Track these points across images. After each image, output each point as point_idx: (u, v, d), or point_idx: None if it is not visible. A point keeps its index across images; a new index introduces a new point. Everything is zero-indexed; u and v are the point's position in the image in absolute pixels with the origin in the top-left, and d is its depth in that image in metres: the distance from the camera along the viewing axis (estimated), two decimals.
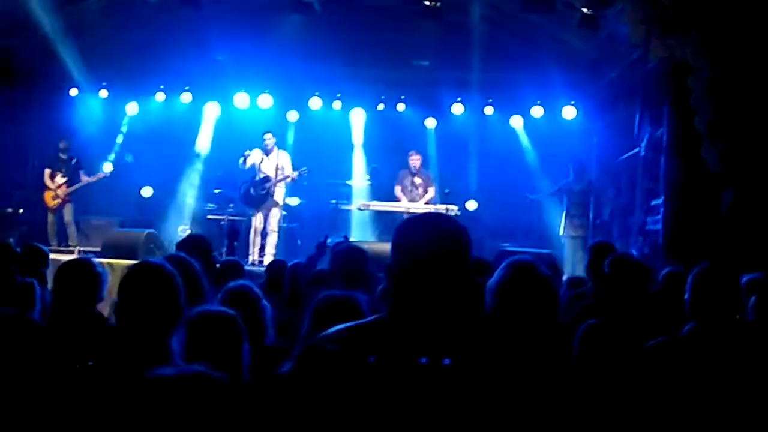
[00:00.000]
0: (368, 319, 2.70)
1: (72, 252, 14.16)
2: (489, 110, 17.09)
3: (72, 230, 15.47)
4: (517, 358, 2.59)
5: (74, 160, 15.60)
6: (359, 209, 15.19)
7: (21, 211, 15.84)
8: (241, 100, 17.00)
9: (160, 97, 17.27)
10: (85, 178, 15.54)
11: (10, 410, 2.33)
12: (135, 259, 12.29)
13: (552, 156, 16.14)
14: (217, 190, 15.98)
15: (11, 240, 12.29)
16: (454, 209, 14.66)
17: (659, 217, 12.21)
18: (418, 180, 15.56)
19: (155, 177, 16.90)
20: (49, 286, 7.08)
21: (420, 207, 15.11)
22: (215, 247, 14.43)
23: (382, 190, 16.11)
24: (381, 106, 17.32)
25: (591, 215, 15.68)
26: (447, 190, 15.19)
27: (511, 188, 16.58)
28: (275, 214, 14.79)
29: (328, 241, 8.69)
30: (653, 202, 12.87)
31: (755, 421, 3.93)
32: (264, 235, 14.70)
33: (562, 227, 15.05)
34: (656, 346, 4.14)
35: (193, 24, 14.81)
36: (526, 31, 15.26)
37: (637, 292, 5.54)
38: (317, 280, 6.52)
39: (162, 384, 2.01)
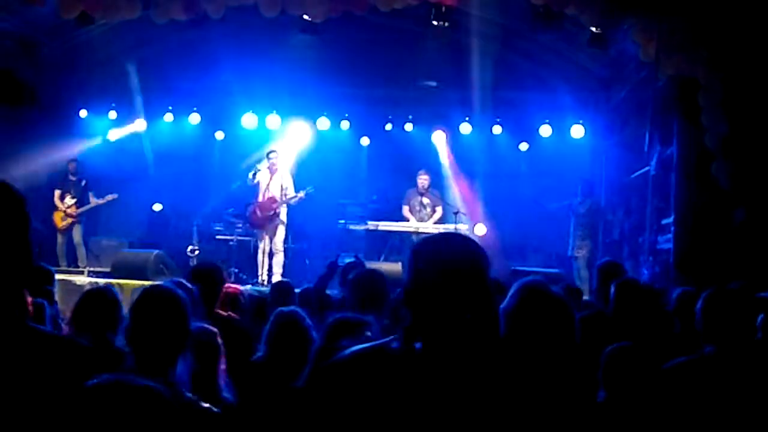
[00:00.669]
0: (384, 340, 2.67)
1: (81, 272, 14.18)
2: (497, 129, 17.06)
3: (81, 251, 15.49)
4: (535, 382, 2.56)
5: (84, 182, 15.64)
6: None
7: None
8: (248, 120, 17.01)
9: (168, 117, 17.29)
10: (94, 200, 15.57)
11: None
12: (144, 280, 12.33)
13: (561, 175, 16.09)
14: (230, 210, 15.96)
15: None
16: (463, 229, 14.64)
17: (670, 235, 12.16)
18: (426, 200, 15.53)
19: (164, 197, 16.91)
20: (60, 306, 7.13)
21: (428, 227, 15.09)
22: (225, 267, 14.53)
23: (389, 209, 16.10)
24: (389, 126, 17.30)
25: (600, 235, 15.68)
26: (456, 210, 15.15)
27: (520, 207, 16.54)
28: (281, 234, 14.77)
29: (339, 260, 8.67)
30: (664, 221, 12.83)
31: None
32: (271, 255, 14.68)
33: (570, 246, 15.09)
34: (675, 368, 4.09)
35: (201, 45, 14.86)
36: (534, 50, 15.27)
37: (646, 316, 5.52)
38: (333, 305, 6.53)
39: None
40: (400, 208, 15.66)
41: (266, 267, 14.63)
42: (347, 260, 8.92)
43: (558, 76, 15.36)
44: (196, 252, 15.38)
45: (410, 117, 17.24)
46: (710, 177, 10.88)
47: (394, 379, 2.45)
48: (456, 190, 16.99)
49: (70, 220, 15.45)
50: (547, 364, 3.42)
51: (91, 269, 14.62)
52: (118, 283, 11.94)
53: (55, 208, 15.49)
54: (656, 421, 4.03)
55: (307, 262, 16.04)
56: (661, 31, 10.74)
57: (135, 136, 17.42)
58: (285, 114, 17.06)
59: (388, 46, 15.65)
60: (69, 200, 15.49)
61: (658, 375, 4.10)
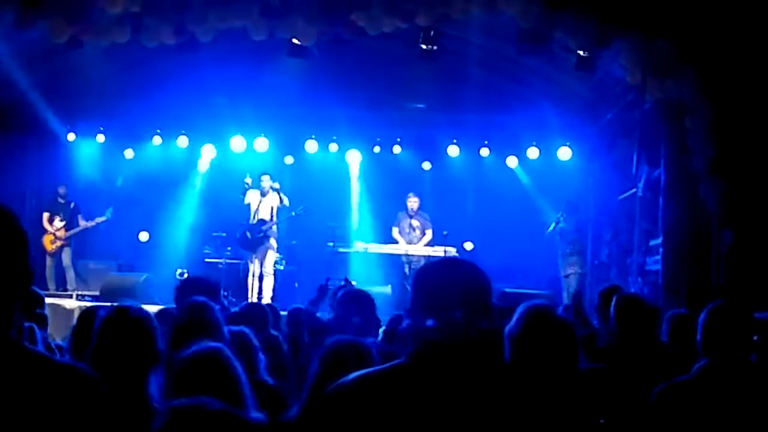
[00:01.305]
0: (388, 365, 2.66)
1: (70, 296, 14.14)
2: (485, 152, 17.11)
3: (70, 274, 15.44)
4: (539, 406, 2.57)
5: (72, 205, 15.64)
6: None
7: None
8: (237, 143, 17.02)
9: (156, 140, 17.28)
10: (83, 223, 15.56)
11: None
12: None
13: (549, 197, 16.15)
14: (222, 234, 15.95)
15: None
16: (452, 251, 14.68)
17: (658, 257, 12.20)
18: (415, 222, 15.58)
19: (152, 220, 16.90)
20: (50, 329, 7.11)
21: (418, 249, 15.12)
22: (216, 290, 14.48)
23: (379, 232, 16.12)
24: (377, 149, 17.33)
25: (589, 255, 15.75)
26: (445, 232, 15.18)
27: (508, 229, 16.59)
28: (271, 257, 14.78)
29: (329, 284, 8.69)
30: (652, 243, 12.87)
31: None
32: (261, 277, 14.67)
33: (559, 266, 15.14)
34: (667, 389, 4.11)
35: (190, 67, 14.86)
36: (522, 73, 15.33)
37: (646, 335, 5.53)
38: (324, 328, 6.52)
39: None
40: (390, 231, 15.68)
41: (256, 290, 14.62)
42: (337, 283, 8.95)
43: (545, 99, 15.42)
44: (185, 275, 15.34)
45: (398, 139, 17.27)
46: (698, 199, 10.93)
47: (402, 404, 2.46)
48: None
49: (59, 242, 15.42)
50: (551, 388, 3.43)
51: (80, 293, 14.58)
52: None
53: (44, 231, 15.45)
54: None
55: (297, 285, 16.03)
56: (648, 54, 10.81)
57: (123, 160, 17.43)
58: (273, 137, 17.06)
59: (377, 68, 15.71)
60: (58, 223, 15.47)
61: (649, 397, 4.11)
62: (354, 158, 17.65)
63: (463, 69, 14.96)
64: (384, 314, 6.94)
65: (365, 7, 11.44)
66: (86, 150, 17.37)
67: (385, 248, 15.33)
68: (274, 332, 6.65)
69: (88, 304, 12.67)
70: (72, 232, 15.53)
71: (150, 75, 15.68)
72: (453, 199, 17.10)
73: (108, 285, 13.66)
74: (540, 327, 3.80)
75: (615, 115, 14.56)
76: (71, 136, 17.09)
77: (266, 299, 14.19)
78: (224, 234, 15.83)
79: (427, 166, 17.55)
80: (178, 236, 16.70)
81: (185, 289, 6.34)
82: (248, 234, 14.70)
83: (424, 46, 12.74)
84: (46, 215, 15.53)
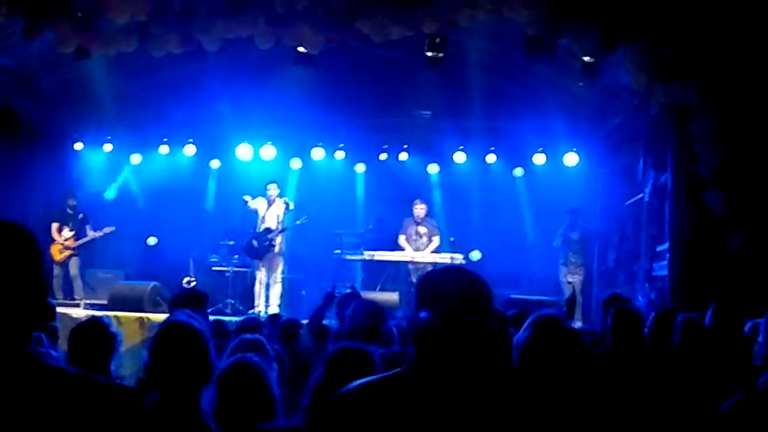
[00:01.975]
0: (391, 372, 2.67)
1: (78, 305, 14.18)
2: (491, 158, 17.12)
3: (78, 283, 15.46)
4: (546, 415, 2.58)
5: (81, 215, 15.69)
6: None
7: None
8: (244, 151, 17.04)
9: (163, 149, 17.31)
10: (91, 233, 15.59)
11: None
12: (141, 312, 12.35)
13: (556, 203, 16.14)
14: (230, 242, 15.97)
15: None
16: (459, 258, 14.68)
17: (665, 263, 12.19)
18: (422, 229, 15.57)
19: (160, 229, 16.93)
20: (60, 340, 7.12)
21: (425, 256, 15.12)
22: (221, 298, 14.54)
23: (386, 239, 16.12)
24: (384, 156, 17.35)
25: (596, 261, 15.74)
26: (452, 239, 15.19)
27: (515, 235, 16.59)
28: (278, 265, 14.79)
29: (336, 291, 8.72)
30: (659, 248, 12.86)
31: None
32: (268, 286, 14.68)
33: (561, 273, 15.16)
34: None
35: (196, 76, 14.90)
36: (528, 78, 15.35)
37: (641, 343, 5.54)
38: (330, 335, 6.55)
39: None
40: (397, 238, 15.69)
41: (263, 298, 14.63)
42: (343, 291, 8.98)
43: (552, 105, 15.41)
44: (193, 283, 15.35)
45: (405, 146, 17.27)
46: (704, 204, 10.94)
47: (404, 412, 2.46)
48: None
49: (67, 252, 15.45)
50: (558, 397, 3.43)
51: (88, 301, 14.61)
52: (116, 316, 11.97)
53: (53, 240, 15.49)
54: None
55: (304, 292, 16.04)
56: (654, 59, 10.83)
57: (131, 168, 17.49)
58: (280, 144, 17.09)
59: (383, 76, 15.75)
60: (67, 233, 15.51)
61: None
62: (360, 166, 17.65)
63: (469, 75, 14.98)
64: (391, 321, 6.97)
65: (371, 15, 11.48)
66: (93, 159, 17.41)
67: (391, 255, 15.33)
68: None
69: (97, 313, 12.72)
70: (80, 242, 15.57)
71: (157, 84, 15.73)
72: (460, 206, 17.10)
73: (116, 294, 13.67)
74: (550, 336, 3.80)
75: (621, 121, 14.56)
76: (79, 146, 17.14)
77: (273, 307, 14.21)
78: (232, 242, 15.85)
79: (434, 168, 17.53)
80: (186, 245, 16.71)
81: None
82: (255, 242, 14.71)
83: (429, 54, 12.76)
84: (55, 225, 15.56)
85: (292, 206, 14.94)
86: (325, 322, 8.29)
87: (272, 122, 16.58)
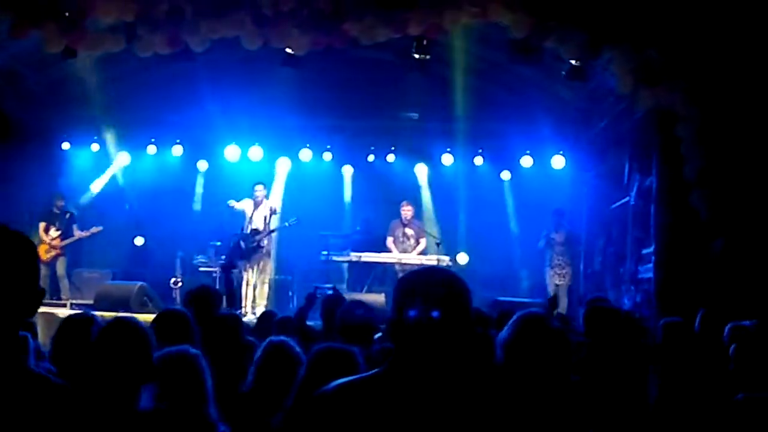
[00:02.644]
0: (370, 372, 2.69)
1: (64, 305, 14.14)
2: (479, 161, 17.16)
3: (65, 283, 15.43)
4: (528, 412, 2.60)
5: (69, 215, 15.66)
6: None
7: None
8: (231, 152, 17.04)
9: (151, 149, 17.29)
10: (78, 233, 15.56)
11: None
12: (128, 312, 12.33)
13: (542, 206, 16.18)
14: (217, 243, 15.97)
15: None
16: (445, 260, 14.71)
17: (650, 265, 12.25)
18: (409, 231, 15.59)
19: (147, 229, 16.92)
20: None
21: (412, 258, 15.13)
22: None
23: (373, 241, 16.14)
24: (371, 158, 17.37)
25: (582, 264, 15.79)
26: (438, 241, 15.21)
27: (502, 238, 16.63)
28: (266, 266, 14.79)
29: (318, 292, 8.76)
30: (644, 251, 12.92)
31: None
32: (255, 286, 14.68)
33: (547, 275, 15.20)
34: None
35: (185, 76, 14.89)
36: (515, 82, 15.40)
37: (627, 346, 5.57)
38: (314, 336, 6.56)
39: None
40: (384, 239, 15.71)
41: (250, 299, 14.62)
42: (326, 292, 9.01)
43: (538, 108, 15.47)
44: (180, 284, 15.36)
45: (393, 148, 17.30)
46: (689, 208, 10.98)
47: (382, 411, 2.49)
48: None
49: (54, 252, 15.42)
50: (541, 395, 3.46)
51: (74, 301, 14.57)
52: (102, 316, 11.94)
53: (40, 240, 15.47)
54: None
55: (291, 293, 16.05)
56: (639, 63, 10.88)
57: (119, 168, 17.46)
58: (267, 146, 17.10)
59: (370, 78, 15.78)
60: (54, 232, 15.48)
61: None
62: (348, 167, 17.67)
63: (456, 78, 15.01)
64: (379, 323, 6.98)
65: (358, 18, 11.50)
66: (81, 159, 17.39)
67: (378, 257, 15.35)
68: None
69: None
70: (67, 241, 15.54)
71: (144, 84, 15.72)
72: (447, 208, 17.14)
73: (102, 294, 13.66)
74: (533, 334, 3.83)
75: (607, 124, 14.62)
76: (66, 145, 17.11)
77: (261, 308, 14.21)
78: (219, 243, 15.85)
79: (421, 170, 17.54)
80: (173, 245, 16.70)
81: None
82: (242, 243, 14.71)
83: (417, 56, 12.78)
84: (42, 225, 15.54)
85: (278, 211, 14.94)
86: (310, 323, 8.33)
87: (260, 123, 16.59)
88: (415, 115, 17.01)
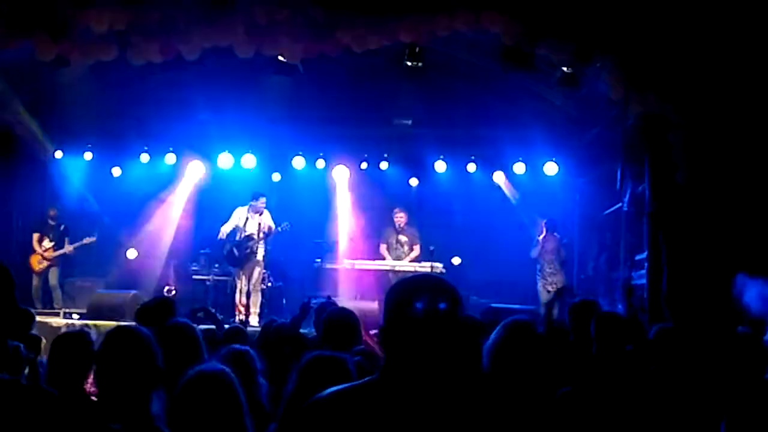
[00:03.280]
0: (362, 380, 2.69)
1: (57, 314, 14.12)
2: (471, 167, 17.17)
3: (57, 293, 15.44)
4: (514, 417, 2.60)
5: (63, 227, 15.68)
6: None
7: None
8: (224, 160, 17.03)
9: (144, 158, 17.26)
10: (68, 247, 15.57)
11: None
12: (120, 321, 12.30)
13: (535, 212, 16.20)
14: (207, 250, 15.96)
15: None
16: (439, 267, 14.71)
17: (644, 271, 12.25)
18: (403, 238, 15.60)
19: (140, 238, 16.89)
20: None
21: (405, 265, 15.13)
22: (201, 306, 14.49)
23: (366, 248, 16.14)
24: (364, 165, 17.37)
25: (575, 271, 15.81)
26: (432, 248, 15.21)
27: (495, 244, 16.62)
28: (258, 273, 14.78)
29: (312, 302, 8.75)
30: (637, 257, 12.93)
31: None
32: (248, 294, 14.66)
33: (539, 283, 15.22)
34: None
35: (177, 84, 14.90)
36: (507, 88, 15.42)
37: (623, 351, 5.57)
38: (308, 345, 6.55)
39: None
40: (377, 246, 15.71)
41: (243, 306, 14.61)
42: (320, 301, 9.01)
43: (531, 115, 15.49)
44: (173, 292, 15.34)
45: (386, 155, 17.30)
46: (682, 213, 11.00)
47: (377, 419, 2.48)
48: None
49: (46, 263, 15.43)
50: (527, 400, 3.47)
51: (67, 310, 14.55)
52: (95, 324, 11.95)
53: (33, 250, 15.46)
54: None
55: (284, 301, 16.03)
56: (631, 69, 10.90)
57: (111, 177, 17.42)
58: (261, 154, 17.08)
59: (363, 85, 15.78)
60: (47, 243, 15.49)
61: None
62: (341, 175, 17.63)
63: (449, 85, 15.02)
64: (371, 330, 6.98)
65: (350, 25, 11.50)
66: (74, 168, 17.35)
67: (371, 264, 15.35)
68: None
69: (76, 322, 12.69)
70: (59, 252, 15.56)
71: (137, 92, 15.70)
72: (440, 215, 17.13)
73: (95, 302, 13.64)
74: (518, 340, 3.84)
75: (600, 131, 14.63)
76: (58, 154, 17.07)
77: (254, 316, 14.21)
78: (208, 251, 15.85)
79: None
80: (166, 254, 16.68)
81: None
82: (235, 251, 14.71)
83: (409, 63, 12.80)
84: (36, 236, 15.57)
85: (272, 232, 14.88)
86: (304, 331, 8.33)
87: (253, 131, 16.58)
88: (408, 122, 17.01)
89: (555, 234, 15.44)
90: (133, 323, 4.17)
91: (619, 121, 12.73)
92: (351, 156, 17.36)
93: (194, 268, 16.19)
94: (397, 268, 15.10)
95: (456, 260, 16.07)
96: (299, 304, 8.50)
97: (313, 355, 4.26)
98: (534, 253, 15.37)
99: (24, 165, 16.02)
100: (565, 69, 12.06)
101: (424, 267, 14.74)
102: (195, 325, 4.28)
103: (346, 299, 13.86)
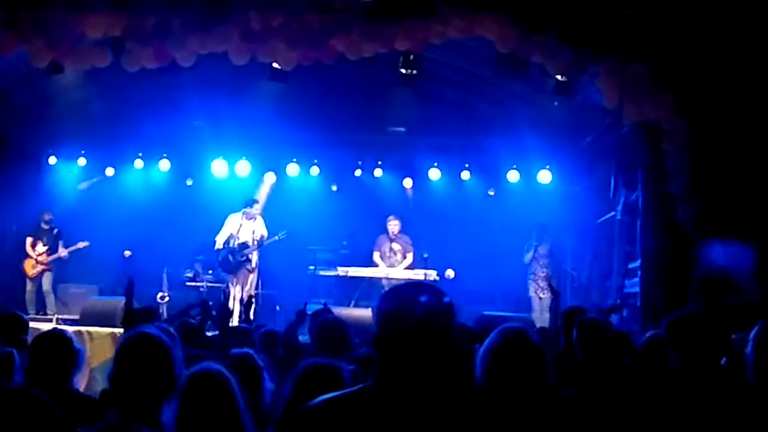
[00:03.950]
0: (354, 388, 2.69)
1: (50, 320, 14.05)
2: (466, 175, 17.17)
3: (50, 298, 15.40)
4: (506, 424, 2.61)
5: (56, 231, 15.65)
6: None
7: None
8: (218, 167, 17.01)
9: (138, 164, 17.25)
10: (62, 250, 15.53)
11: None
12: (114, 327, 12.26)
13: (529, 220, 16.20)
14: (200, 257, 15.94)
15: None
16: (432, 274, 14.70)
17: (637, 279, 12.27)
18: (396, 246, 15.60)
19: (134, 245, 16.83)
20: None
21: (398, 273, 15.12)
22: (194, 313, 14.45)
23: (360, 255, 16.13)
24: (358, 172, 17.36)
25: (569, 278, 15.81)
26: (425, 255, 15.19)
27: (489, 252, 16.61)
28: (252, 280, 14.78)
29: (307, 308, 8.74)
30: (631, 265, 12.95)
31: None
32: (242, 301, 14.64)
33: (530, 288, 15.23)
34: None
35: (171, 90, 14.89)
36: (502, 96, 15.44)
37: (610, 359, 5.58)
38: (303, 351, 6.56)
39: None
40: (371, 254, 15.71)
41: (237, 313, 14.58)
42: (315, 308, 9.00)
43: (525, 122, 15.49)
44: (167, 299, 15.31)
45: (379, 162, 17.30)
46: (675, 221, 11.02)
47: (367, 426, 2.49)
48: None
49: (40, 267, 15.40)
50: (520, 408, 3.47)
51: (60, 316, 14.49)
52: (88, 331, 11.92)
53: (26, 255, 15.43)
54: None
55: (278, 308, 16.00)
56: (624, 78, 10.92)
57: (104, 183, 17.39)
58: (255, 160, 17.08)
59: (357, 92, 15.77)
60: (41, 248, 15.46)
61: None
62: (334, 181, 17.64)
63: (443, 92, 15.03)
64: (365, 337, 6.98)
65: (345, 33, 11.52)
66: (68, 173, 17.33)
67: (365, 272, 15.34)
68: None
69: (69, 328, 12.63)
70: (53, 257, 15.52)
71: (131, 98, 15.69)
72: (434, 222, 17.12)
73: (88, 309, 13.58)
74: (511, 348, 3.84)
75: (594, 139, 14.65)
76: (52, 160, 17.06)
77: (247, 323, 14.18)
78: (202, 257, 15.82)
79: (408, 184, 17.50)
80: (160, 260, 16.64)
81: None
82: (230, 257, 14.70)
83: (403, 71, 12.82)
84: (29, 240, 15.53)
85: (265, 242, 14.88)
86: (301, 338, 8.32)
87: (247, 138, 16.57)
88: (402, 130, 17.01)
89: (546, 239, 15.47)
90: (154, 328, 4.11)
91: (613, 129, 12.77)
92: (345, 163, 17.35)
93: (188, 274, 16.16)
94: (390, 276, 15.08)
95: (450, 273, 16.03)
96: (293, 310, 8.51)
97: (307, 362, 4.26)
98: (527, 258, 15.39)
99: (18, 170, 15.98)
100: (559, 77, 12.09)
101: (418, 274, 14.73)
102: (163, 336, 4.14)
103: (339, 307, 13.85)
